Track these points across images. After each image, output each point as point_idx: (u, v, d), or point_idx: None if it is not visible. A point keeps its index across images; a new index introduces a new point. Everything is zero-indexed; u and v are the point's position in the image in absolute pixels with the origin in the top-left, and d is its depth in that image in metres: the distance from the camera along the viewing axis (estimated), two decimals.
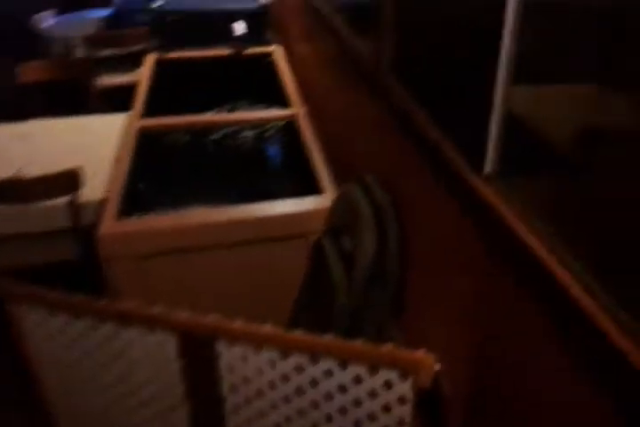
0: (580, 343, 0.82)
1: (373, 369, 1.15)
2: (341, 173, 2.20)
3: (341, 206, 1.72)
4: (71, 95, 3.84)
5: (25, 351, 1.47)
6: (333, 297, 1.62)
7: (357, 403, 1.22)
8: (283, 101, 2.73)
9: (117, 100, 3.60)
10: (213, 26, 3.10)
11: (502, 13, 0.96)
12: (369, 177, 1.61)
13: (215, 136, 2.44)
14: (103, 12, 4.34)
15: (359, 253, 1.54)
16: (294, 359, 1.21)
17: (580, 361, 0.83)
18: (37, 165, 2.41)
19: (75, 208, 2.19)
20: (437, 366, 1.11)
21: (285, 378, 1.25)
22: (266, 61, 3.12)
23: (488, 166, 1.04)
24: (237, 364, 1.27)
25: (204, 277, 1.91)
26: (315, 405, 1.27)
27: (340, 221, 1.74)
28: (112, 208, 1.87)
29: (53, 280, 2.37)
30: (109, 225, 1.79)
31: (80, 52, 3.90)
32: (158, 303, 1.85)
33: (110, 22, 4.05)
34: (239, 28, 3.04)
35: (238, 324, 1.22)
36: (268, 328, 1.19)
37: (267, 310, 1.96)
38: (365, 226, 1.50)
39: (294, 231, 1.89)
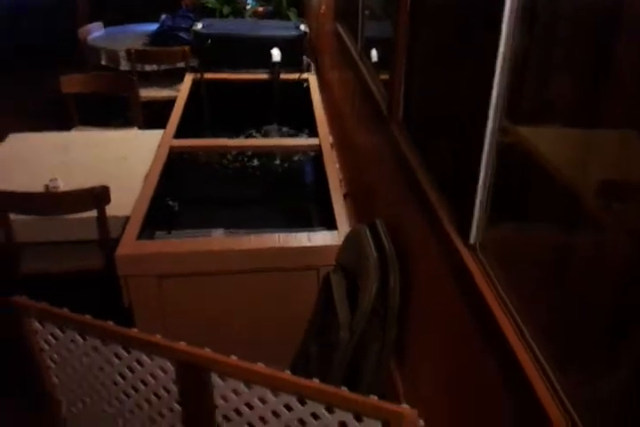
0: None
1: (359, 417, 1.18)
2: (360, 207, 2.24)
3: (351, 246, 1.76)
4: (112, 106, 3.99)
5: (38, 361, 1.55)
6: (338, 331, 1.66)
7: None
8: (312, 128, 2.79)
9: (157, 114, 3.73)
10: (252, 50, 3.18)
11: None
12: (379, 222, 1.66)
13: (241, 161, 2.51)
14: (149, 27, 4.49)
15: (362, 295, 1.58)
16: (283, 398, 1.25)
17: None
18: (73, 176, 2.51)
19: (102, 222, 2.28)
20: (421, 423, 1.14)
21: (275, 415, 1.29)
22: (300, 88, 3.20)
23: (472, 237, 1.10)
24: (231, 396, 1.31)
25: (217, 301, 1.96)
26: None
27: (348, 259, 1.78)
28: (133, 228, 1.95)
29: (81, 287, 2.50)
30: (128, 245, 1.86)
31: (124, 65, 4.04)
32: (171, 319, 1.93)
33: (155, 38, 4.18)
34: (277, 54, 3.11)
35: (232, 359, 1.27)
36: (258, 367, 1.24)
37: (276, 337, 2.02)
38: (370, 271, 1.54)
39: (306, 264, 1.93)
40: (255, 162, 2.51)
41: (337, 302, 1.70)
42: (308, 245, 1.91)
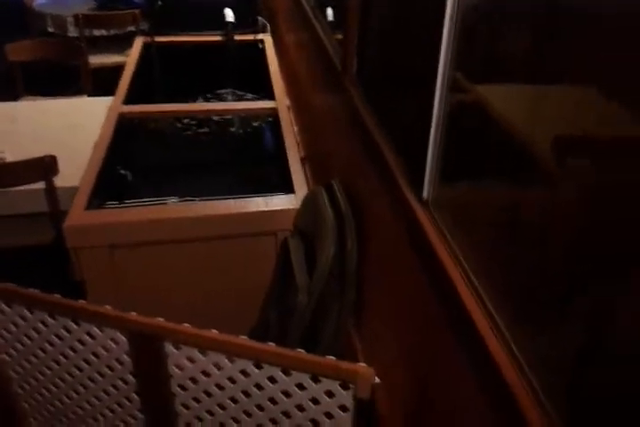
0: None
1: (316, 378, 1.16)
2: (319, 170, 2.19)
3: (308, 209, 1.72)
4: (61, 75, 3.83)
5: None
6: (296, 295, 1.64)
7: (301, 408, 1.24)
8: (268, 91, 2.71)
9: (107, 81, 3.59)
10: (205, 11, 3.06)
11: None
12: (336, 182, 1.62)
13: (195, 126, 2.43)
14: None
15: (320, 257, 1.55)
16: (240, 364, 1.22)
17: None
18: (21, 147, 2.41)
19: (51, 193, 2.20)
20: (376, 380, 1.12)
21: (232, 380, 1.26)
22: (255, 49, 3.10)
23: (425, 192, 1.07)
24: (185, 364, 1.28)
25: (173, 270, 1.91)
26: (260, 408, 1.29)
27: (306, 222, 1.74)
28: (82, 198, 1.87)
29: (32, 262, 2.42)
30: (77, 216, 1.79)
31: (72, 31, 3.87)
32: (125, 292, 1.87)
33: (104, 1, 4.01)
34: (230, 14, 3.00)
35: (185, 327, 1.23)
36: (213, 333, 1.20)
37: (235, 306, 1.98)
38: (327, 233, 1.51)
39: (264, 229, 1.89)
40: (209, 127, 2.43)
41: (295, 267, 1.66)
42: (265, 209, 1.87)
